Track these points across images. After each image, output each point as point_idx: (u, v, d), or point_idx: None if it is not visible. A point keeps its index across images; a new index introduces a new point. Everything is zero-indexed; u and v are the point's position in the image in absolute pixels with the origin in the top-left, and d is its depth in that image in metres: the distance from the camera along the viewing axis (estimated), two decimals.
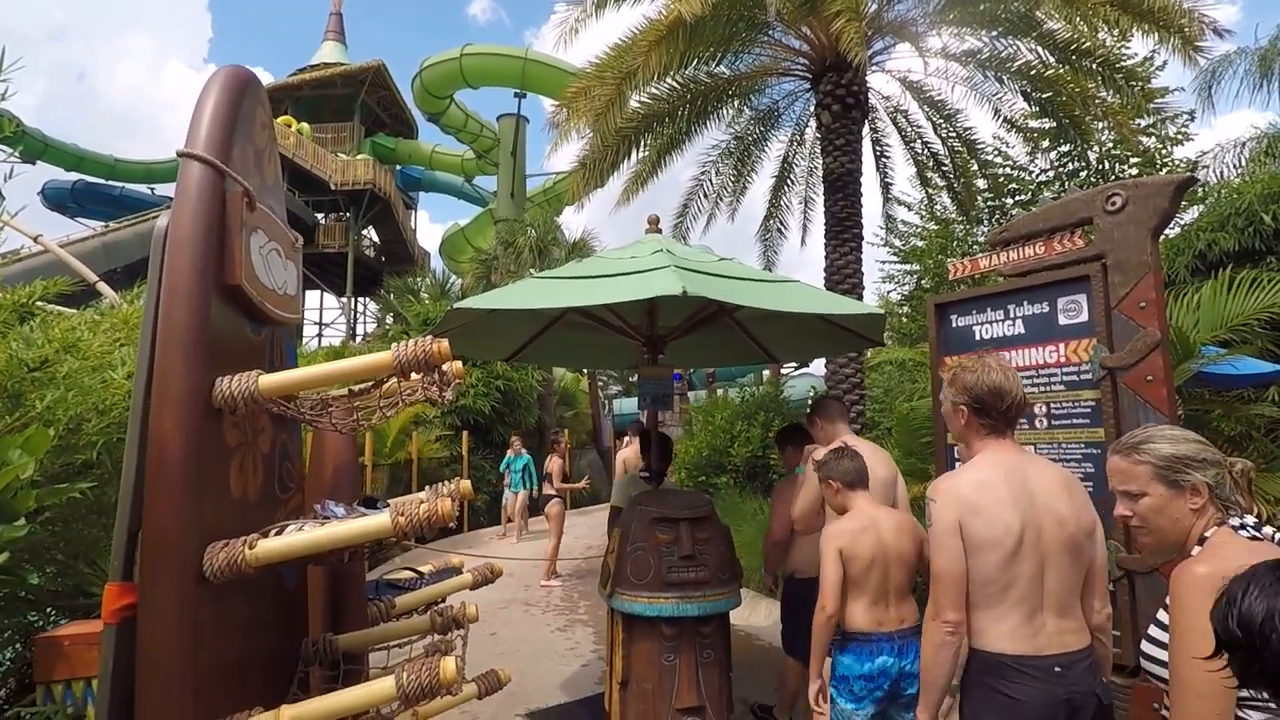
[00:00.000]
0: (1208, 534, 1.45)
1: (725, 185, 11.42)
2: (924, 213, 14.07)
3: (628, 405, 23.95)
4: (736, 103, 10.14)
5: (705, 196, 11.40)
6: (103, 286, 9.02)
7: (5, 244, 5.44)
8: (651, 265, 3.96)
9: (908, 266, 14.37)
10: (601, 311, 4.50)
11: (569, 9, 8.34)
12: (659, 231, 5.06)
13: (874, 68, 9.28)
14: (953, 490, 1.93)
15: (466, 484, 1.97)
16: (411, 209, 36.03)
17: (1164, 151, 11.54)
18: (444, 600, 2.36)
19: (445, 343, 1.56)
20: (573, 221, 30.54)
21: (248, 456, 1.70)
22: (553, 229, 17.94)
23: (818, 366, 12.82)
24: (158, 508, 1.39)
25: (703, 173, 11.13)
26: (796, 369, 17.85)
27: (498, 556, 9.45)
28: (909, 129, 10.59)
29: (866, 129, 9.97)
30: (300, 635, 2.00)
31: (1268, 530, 1.43)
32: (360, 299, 31.83)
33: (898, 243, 14.44)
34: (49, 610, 3.30)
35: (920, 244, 14.09)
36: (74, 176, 33.16)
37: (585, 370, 19.00)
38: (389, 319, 18.34)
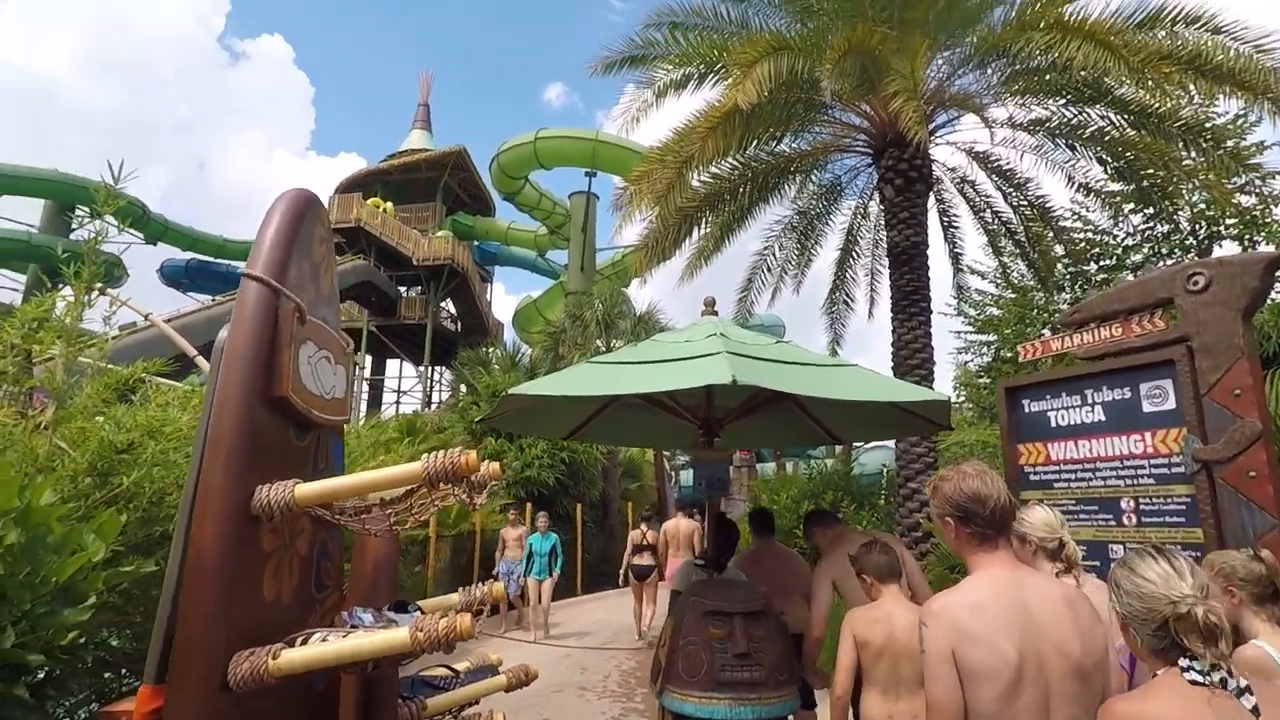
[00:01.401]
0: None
1: (789, 259, 11.45)
2: (999, 281, 13.67)
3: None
4: (798, 179, 10.26)
5: (769, 270, 11.45)
6: (200, 360, 9.66)
7: (121, 319, 5.94)
8: (704, 351, 3.96)
9: (984, 337, 13.89)
10: (657, 394, 4.50)
11: (633, 97, 8.74)
12: (715, 313, 5.08)
13: (937, 141, 9.26)
14: (944, 614, 1.78)
15: (499, 586, 1.97)
16: (488, 282, 37.53)
17: (1265, 211, 10.83)
18: (476, 703, 2.33)
19: (473, 455, 1.59)
20: (640, 294, 31.20)
21: (284, 559, 1.74)
22: (619, 302, 18.28)
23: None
24: (190, 613, 1.44)
25: (766, 247, 11.21)
26: (869, 443, 17.30)
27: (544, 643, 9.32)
28: (977, 199, 10.43)
29: (932, 200, 9.88)
30: None
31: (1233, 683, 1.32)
32: (437, 368, 32.98)
33: (972, 312, 14.03)
34: (123, 671, 3.43)
35: (996, 313, 13.63)
36: (188, 255, 36.11)
37: None
38: (462, 389, 18.86)
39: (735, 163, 9.21)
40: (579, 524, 14.30)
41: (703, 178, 9.08)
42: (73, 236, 31.25)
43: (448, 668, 2.39)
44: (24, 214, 31.50)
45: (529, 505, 13.40)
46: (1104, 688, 1.74)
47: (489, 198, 35.42)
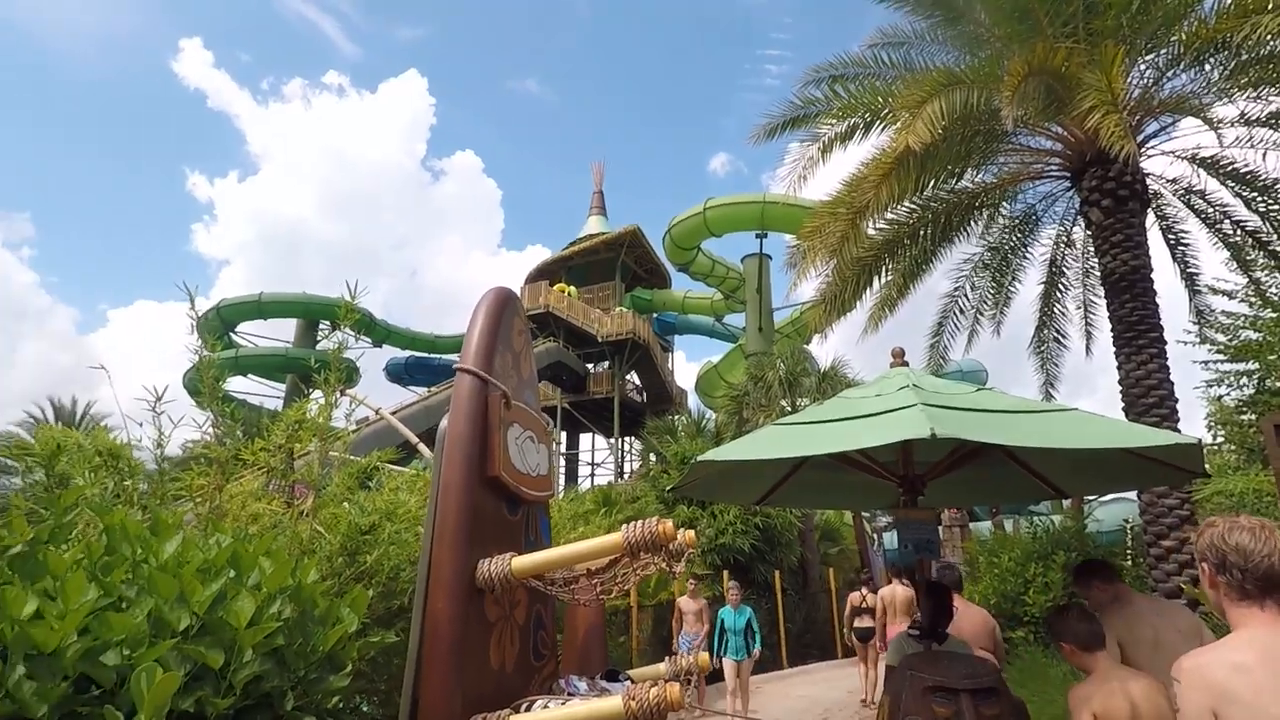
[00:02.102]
0: None
1: (984, 298, 10.65)
2: (1253, 299, 11.67)
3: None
4: (985, 213, 9.61)
5: (962, 312, 10.69)
6: (421, 446, 10.79)
7: (357, 414, 6.85)
8: (897, 405, 3.76)
9: (1242, 365, 11.82)
10: (851, 453, 4.32)
11: (798, 155, 8.75)
12: (905, 364, 4.83)
13: (1149, 152, 8.31)
14: (1202, 672, 1.63)
15: (704, 656, 1.96)
16: (668, 351, 38.55)
17: None
18: None
19: (669, 523, 1.63)
20: (822, 350, 30.42)
21: (505, 630, 1.87)
22: (801, 360, 17.92)
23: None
24: (429, 680, 1.58)
25: (956, 288, 10.52)
26: (1104, 495, 15.19)
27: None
28: (1210, 210, 9.12)
29: (1150, 218, 8.80)
30: None
31: None
32: (626, 438, 34.08)
33: (1221, 338, 12.05)
34: None
35: (1254, 336, 11.58)
36: (407, 353, 40.90)
37: None
38: (651, 458, 19.28)
39: (913, 205, 8.84)
40: (778, 592, 13.81)
41: (878, 225, 8.80)
42: (319, 347, 36.84)
43: None
44: (281, 333, 37.58)
45: (725, 574, 13.21)
46: None
47: (664, 270, 36.75)
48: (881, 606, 9.07)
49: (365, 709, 3.66)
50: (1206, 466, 5.81)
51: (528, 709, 1.64)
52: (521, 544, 2.00)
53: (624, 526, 1.66)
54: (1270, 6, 5.70)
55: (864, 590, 9.68)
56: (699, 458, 4.08)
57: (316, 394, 6.48)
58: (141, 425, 4.55)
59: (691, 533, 1.84)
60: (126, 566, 2.60)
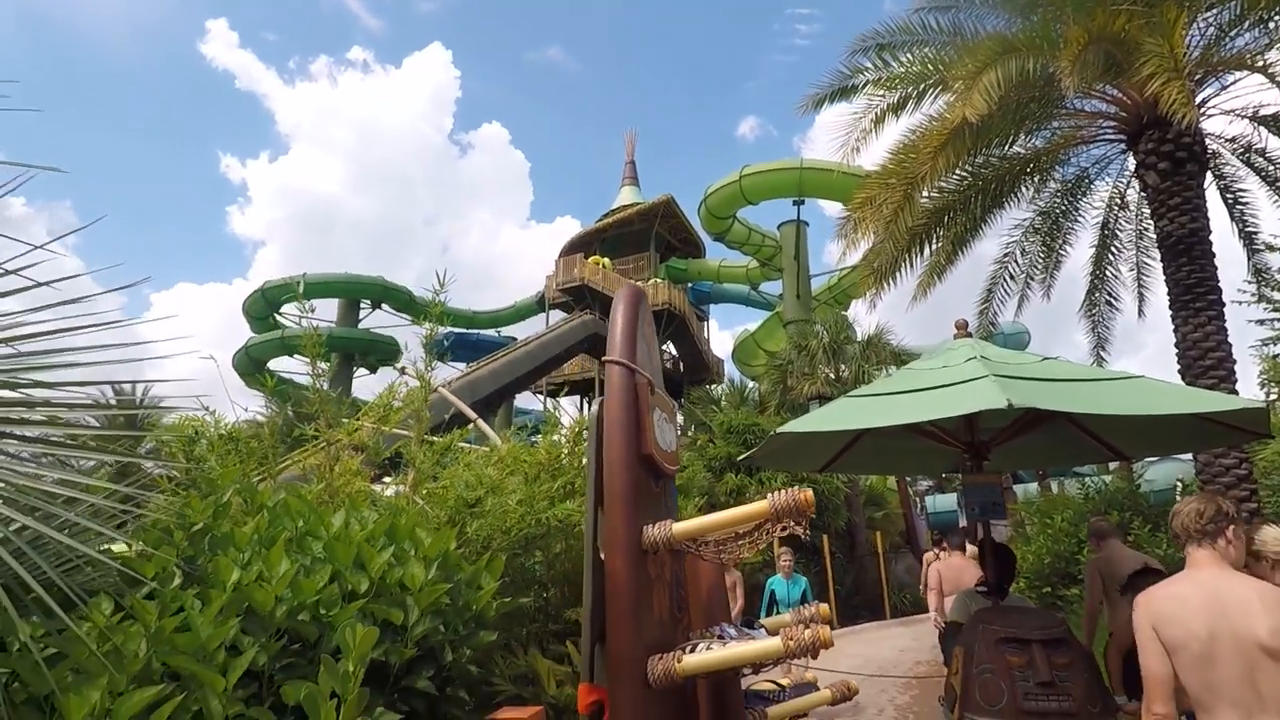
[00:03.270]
0: None
1: (1035, 263, 10.62)
2: None
3: (942, 502, 22.13)
4: (1036, 178, 9.55)
5: (1013, 278, 10.68)
6: (483, 425, 11.20)
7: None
8: (967, 376, 3.96)
9: None
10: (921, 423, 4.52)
11: (850, 126, 8.78)
12: (968, 335, 5.01)
13: (1209, 112, 8.19)
14: (1148, 600, 2.32)
15: (825, 607, 2.24)
16: (704, 320, 38.61)
17: None
18: (806, 715, 2.59)
19: (809, 493, 1.90)
20: (864, 316, 30.14)
21: (660, 585, 2.17)
22: (844, 328, 17.98)
23: None
24: (616, 627, 1.89)
25: (1006, 254, 10.50)
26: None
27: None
28: (1271, 168, 8.97)
29: (1208, 179, 8.69)
30: None
31: None
32: None
33: (1278, 296, 11.87)
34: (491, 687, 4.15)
35: None
36: (445, 329, 41.57)
37: None
38: (693, 428, 19.60)
39: (964, 173, 8.85)
40: (827, 556, 14.12)
41: (930, 193, 8.83)
42: (360, 326, 37.69)
43: (774, 682, 2.69)
44: (324, 313, 38.34)
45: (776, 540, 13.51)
46: None
47: (698, 240, 36.68)
48: (938, 581, 8.01)
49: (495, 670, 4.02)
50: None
51: (692, 651, 1.93)
52: (661, 511, 2.29)
53: (770, 495, 1.93)
54: None
55: (937, 550, 9.49)
56: (779, 429, 4.32)
57: (402, 377, 6.85)
58: (206, 406, 4.94)
59: (810, 493, 2.07)
60: (292, 537, 2.97)
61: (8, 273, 2.12)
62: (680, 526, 2.01)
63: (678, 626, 2.32)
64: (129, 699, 1.81)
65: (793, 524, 2.01)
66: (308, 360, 5.10)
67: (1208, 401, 3.71)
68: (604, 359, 2.22)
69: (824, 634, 1.77)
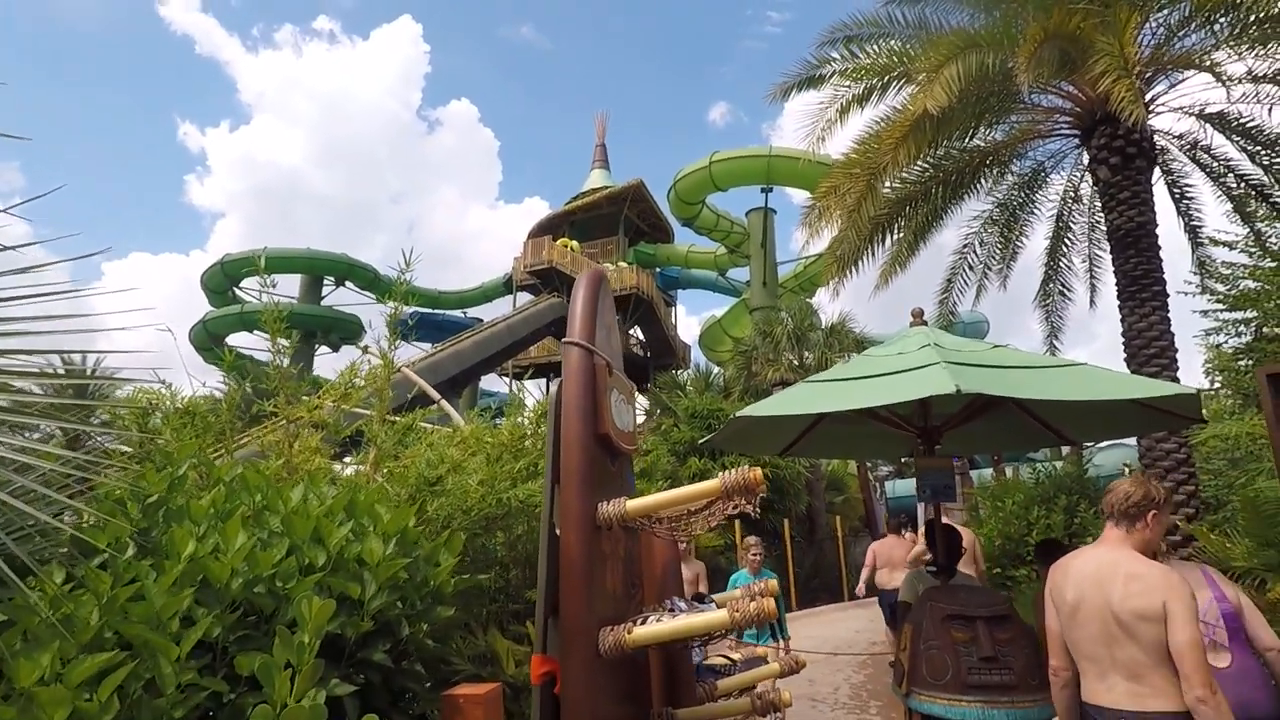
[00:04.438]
0: None
1: (992, 254, 10.88)
2: (1254, 250, 11.91)
3: (901, 487, 22.66)
4: (995, 171, 9.78)
5: (971, 268, 10.95)
6: (447, 406, 11.14)
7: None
8: (920, 362, 4.09)
9: (1240, 314, 12.13)
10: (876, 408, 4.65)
11: (815, 117, 8.87)
12: (924, 323, 5.14)
13: (1158, 110, 8.46)
14: (1052, 570, 2.74)
15: (774, 583, 2.33)
16: (671, 306, 38.72)
17: None
18: (754, 687, 2.69)
19: (759, 471, 1.97)
20: (829, 304, 30.49)
21: (613, 561, 2.23)
22: (808, 315, 18.22)
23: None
24: (569, 601, 1.94)
25: (965, 245, 10.75)
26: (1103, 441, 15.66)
27: None
28: (1215, 164, 9.31)
29: (1157, 174, 8.99)
30: (647, 706, 2.45)
31: None
32: None
33: (1221, 288, 12.33)
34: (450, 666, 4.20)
35: (1253, 285, 11.86)
36: (411, 309, 41.02)
37: None
38: (658, 412, 19.72)
39: (925, 164, 9.02)
40: (788, 540, 14.39)
41: (892, 183, 8.99)
42: (323, 304, 37.00)
43: (725, 656, 2.78)
44: (285, 288, 37.48)
45: (738, 523, 13.74)
46: (1157, 638, 2.28)
47: (668, 225, 36.69)
48: (872, 559, 8.21)
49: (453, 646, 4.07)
50: (1204, 413, 6.19)
51: (643, 623, 2.00)
52: (619, 490, 2.34)
53: (721, 474, 2.00)
54: None
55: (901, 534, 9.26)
56: (738, 413, 4.41)
57: (364, 356, 6.81)
58: (161, 379, 4.87)
59: (759, 471, 2.13)
60: (250, 512, 2.97)
61: None
62: (633, 503, 2.06)
63: (631, 602, 2.39)
64: (80, 664, 1.82)
65: (743, 502, 2.08)
66: (268, 336, 5.04)
67: (1144, 388, 3.89)
68: (563, 340, 2.26)
69: (768, 606, 1.84)
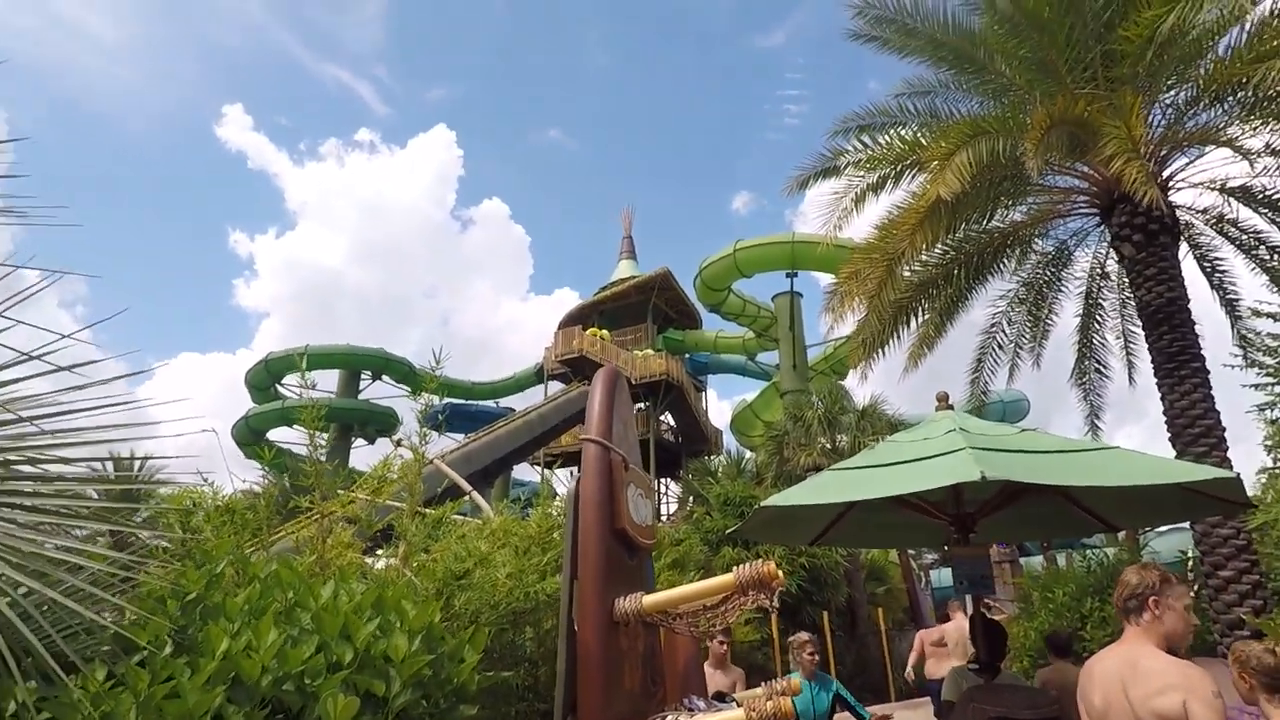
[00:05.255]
0: None
1: (1022, 332, 10.82)
2: None
3: (948, 576, 21.72)
4: (1017, 250, 9.87)
5: (1001, 347, 10.87)
6: (477, 497, 11.18)
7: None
8: (945, 449, 4.05)
9: None
10: (903, 495, 4.59)
11: (831, 206, 9.15)
12: (949, 408, 5.11)
13: (1178, 185, 8.54)
14: (1079, 673, 2.67)
15: (797, 681, 2.28)
16: (701, 391, 38.77)
17: None
18: None
19: (773, 565, 1.98)
20: (860, 387, 30.21)
21: (632, 658, 2.22)
22: (839, 398, 18.10)
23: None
24: (586, 698, 1.93)
25: (993, 324, 10.72)
26: (1158, 526, 14.96)
27: None
28: (1244, 237, 9.28)
29: (1185, 248, 8.99)
30: None
31: None
32: (662, 480, 34.17)
33: (1269, 361, 12.01)
34: None
35: None
36: (443, 400, 41.63)
37: None
38: (690, 500, 19.46)
39: (945, 247, 9.16)
40: (827, 634, 13.80)
41: (913, 267, 9.11)
42: (360, 397, 37.83)
43: None
44: (324, 383, 38.47)
45: (775, 616, 13.26)
46: None
47: (695, 311, 37.24)
48: (938, 645, 8.69)
49: None
50: (1251, 497, 5.95)
51: None
52: (638, 584, 2.36)
53: (735, 569, 2.01)
54: None
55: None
56: (763, 502, 4.39)
57: (396, 451, 6.93)
58: (205, 478, 5.02)
59: (775, 567, 2.16)
60: (282, 608, 3.02)
61: (31, 357, 2.27)
62: (650, 599, 2.08)
63: (652, 700, 2.35)
64: None
65: (760, 597, 2.08)
66: (316, 433, 5.21)
67: (1180, 472, 3.80)
68: (581, 437, 2.34)
69: (785, 705, 1.82)
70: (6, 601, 1.92)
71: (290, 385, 37.79)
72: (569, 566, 2.19)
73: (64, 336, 2.26)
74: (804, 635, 5.58)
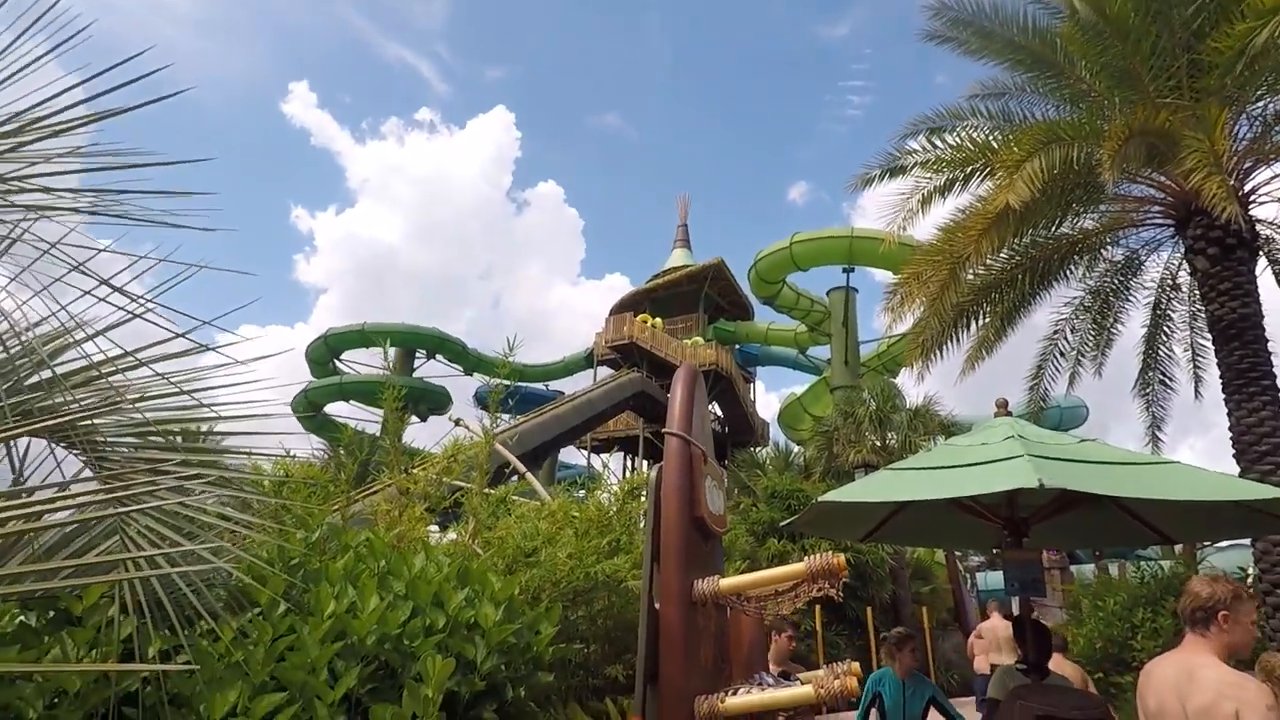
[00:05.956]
0: None
1: (1085, 340, 10.64)
2: None
3: (994, 579, 21.41)
4: (1085, 258, 9.70)
5: (1063, 354, 10.71)
6: (533, 480, 11.55)
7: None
8: (1003, 455, 4.13)
9: None
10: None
11: (898, 206, 9.14)
12: (1008, 414, 5.16)
13: (1260, 199, 8.28)
14: (1141, 673, 2.73)
15: (856, 666, 2.47)
16: (750, 382, 38.68)
17: None
18: None
19: (842, 557, 2.16)
20: (913, 386, 29.77)
21: (706, 636, 2.44)
22: (891, 396, 17.95)
23: None
24: (668, 671, 2.16)
25: (1056, 330, 10.56)
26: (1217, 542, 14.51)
27: None
28: None
29: (1262, 263, 8.72)
30: None
31: None
32: None
33: None
34: None
35: None
36: (494, 381, 42.43)
37: None
38: (736, 491, 19.60)
39: (1011, 252, 9.07)
40: (870, 630, 13.85)
41: (976, 270, 9.04)
42: (415, 374, 38.89)
43: None
44: (378, 359, 39.58)
45: (818, 608, 13.37)
46: None
47: (747, 302, 37.11)
48: (974, 642, 9.30)
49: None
50: None
51: (734, 694, 2.18)
52: (711, 568, 2.57)
53: (806, 558, 2.20)
54: None
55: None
56: (821, 498, 4.53)
57: (460, 430, 7.26)
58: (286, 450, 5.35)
59: (842, 558, 2.33)
60: (375, 576, 3.32)
61: (140, 364, 2.50)
62: (725, 582, 2.28)
63: (720, 676, 2.57)
64: (260, 701, 2.15)
65: (826, 586, 2.27)
66: (365, 406, 5.57)
67: (1240, 490, 3.82)
68: (664, 430, 2.55)
69: (850, 684, 2.01)
70: (145, 557, 2.18)
71: (348, 360, 39.03)
72: (650, 550, 2.41)
73: (169, 338, 2.48)
74: (904, 630, 5.27)
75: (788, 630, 4.83)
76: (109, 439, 2.43)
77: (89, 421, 2.20)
